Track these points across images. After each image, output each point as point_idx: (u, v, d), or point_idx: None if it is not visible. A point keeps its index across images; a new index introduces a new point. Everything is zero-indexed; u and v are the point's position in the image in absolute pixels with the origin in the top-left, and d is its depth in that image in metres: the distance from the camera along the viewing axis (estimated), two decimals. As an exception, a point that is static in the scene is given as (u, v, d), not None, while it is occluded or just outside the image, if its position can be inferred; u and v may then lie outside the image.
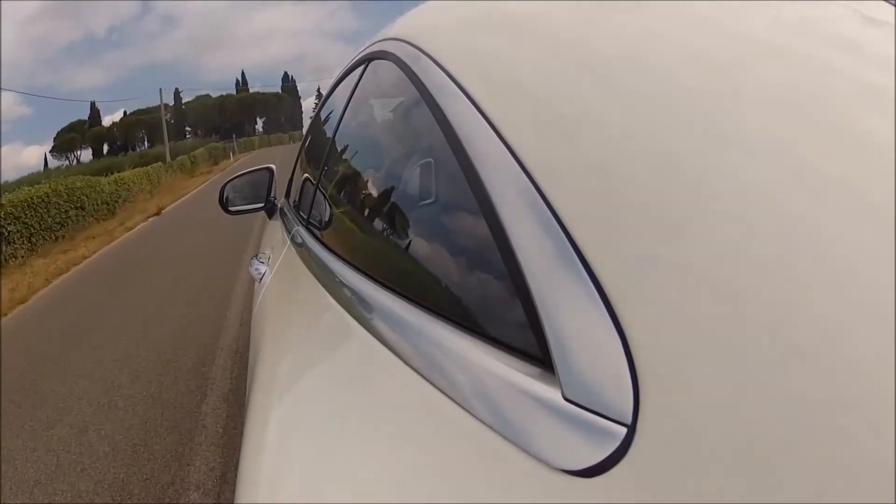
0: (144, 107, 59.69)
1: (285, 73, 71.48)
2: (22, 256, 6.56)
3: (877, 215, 0.19)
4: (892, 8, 0.26)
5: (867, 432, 0.16)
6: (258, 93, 67.13)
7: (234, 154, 28.56)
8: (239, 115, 61.82)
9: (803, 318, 0.18)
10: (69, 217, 7.88)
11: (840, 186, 0.20)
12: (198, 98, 65.93)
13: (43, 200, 7.31)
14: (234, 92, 68.75)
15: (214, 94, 68.21)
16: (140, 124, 58.03)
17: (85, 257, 6.07)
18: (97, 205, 8.94)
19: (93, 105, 61.48)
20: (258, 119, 67.13)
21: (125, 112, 62.18)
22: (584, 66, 0.32)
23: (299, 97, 68.87)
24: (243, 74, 71.51)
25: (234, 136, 37.67)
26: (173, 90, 65.07)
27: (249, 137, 44.84)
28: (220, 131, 54.49)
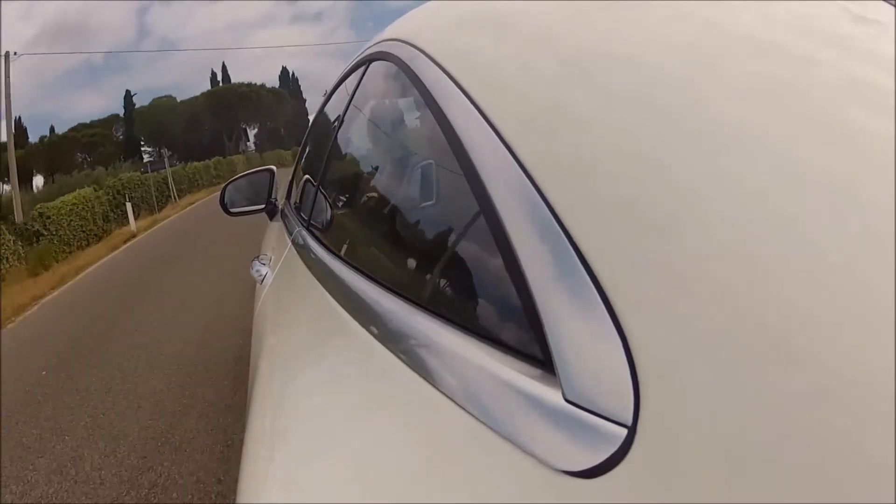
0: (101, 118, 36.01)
1: (284, 69, 42.86)
2: None
3: (869, 214, 0.19)
4: (892, 7, 0.26)
5: (866, 433, 0.16)
6: (245, 84, 39.03)
7: (134, 217, 9.92)
8: (216, 121, 37.17)
9: (800, 318, 0.18)
10: None
11: (831, 184, 0.20)
12: (154, 102, 37.63)
13: None
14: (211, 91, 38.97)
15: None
16: (73, 144, 33.92)
17: None
18: None
19: (18, 122, 32.78)
20: (247, 128, 41.10)
21: (52, 128, 36.37)
22: (584, 65, 0.32)
23: (304, 100, 43.38)
24: (224, 67, 40.70)
25: (162, 154, 19.97)
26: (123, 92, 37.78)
27: (229, 157, 25.34)
28: (189, 148, 33.40)
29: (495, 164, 0.32)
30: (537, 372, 0.27)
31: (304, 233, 0.93)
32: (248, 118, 40.25)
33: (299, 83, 46.57)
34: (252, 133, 42.06)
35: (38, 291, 5.53)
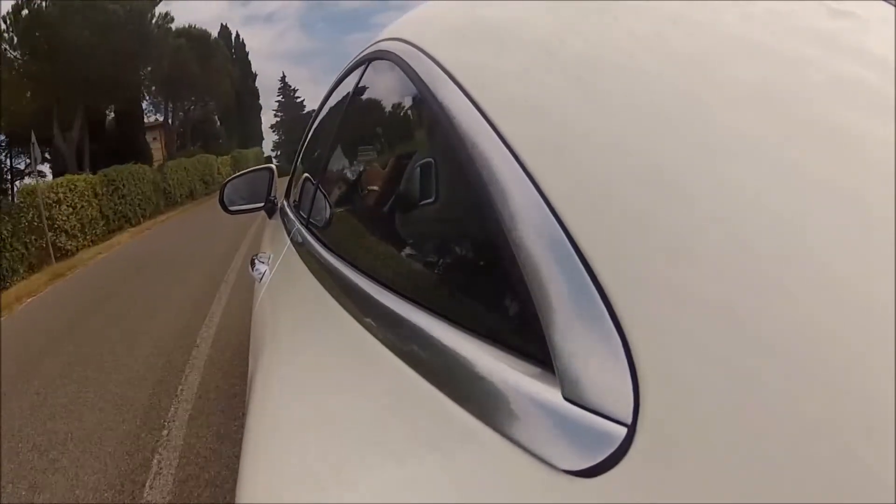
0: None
1: (223, 27, 25.89)
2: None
3: (872, 220, 0.19)
4: (892, 7, 0.26)
5: (866, 434, 0.16)
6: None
7: None
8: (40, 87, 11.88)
9: (800, 320, 0.18)
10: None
11: (832, 189, 0.20)
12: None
13: None
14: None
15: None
16: None
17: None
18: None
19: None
20: (146, 111, 19.06)
21: None
22: (584, 65, 0.32)
23: (253, 74, 27.59)
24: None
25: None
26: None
27: (27, 185, 6.29)
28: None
29: (495, 162, 0.32)
30: (537, 371, 0.27)
31: (304, 231, 0.93)
32: (126, 85, 15.47)
33: (246, 50, 27.11)
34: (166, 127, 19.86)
35: None
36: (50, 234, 6.32)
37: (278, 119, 39.30)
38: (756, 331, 0.19)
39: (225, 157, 17.27)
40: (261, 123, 30.65)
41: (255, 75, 27.98)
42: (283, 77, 42.05)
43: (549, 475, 0.23)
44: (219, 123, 24.06)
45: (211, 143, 21.57)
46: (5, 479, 1.87)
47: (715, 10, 0.30)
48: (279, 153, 38.67)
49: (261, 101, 29.75)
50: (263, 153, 25.63)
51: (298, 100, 39.21)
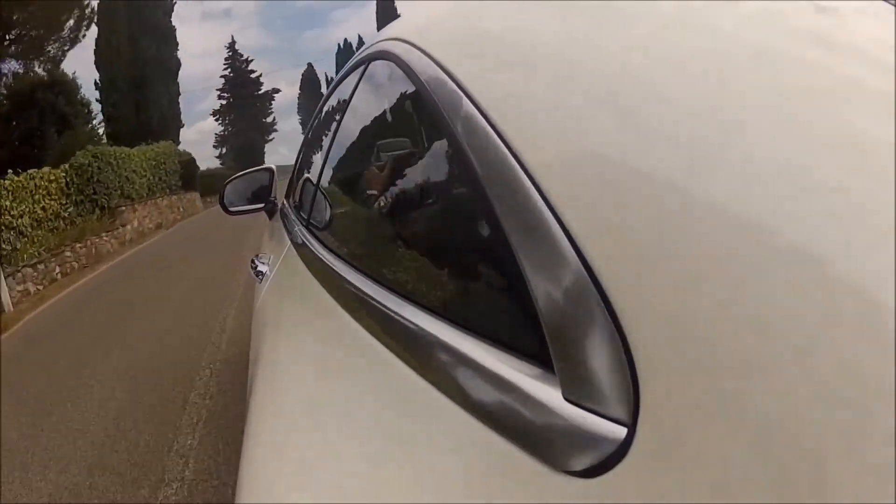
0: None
1: None
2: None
3: (873, 221, 0.19)
4: (892, 7, 0.26)
5: (866, 434, 0.16)
6: None
7: None
8: None
9: (801, 320, 0.18)
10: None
11: (835, 191, 0.20)
12: None
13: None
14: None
15: None
16: None
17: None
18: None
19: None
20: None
21: None
22: (584, 67, 0.32)
23: (172, 22, 13.88)
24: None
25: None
26: None
27: None
28: None
29: (494, 163, 0.32)
30: (536, 371, 0.27)
31: (304, 231, 0.93)
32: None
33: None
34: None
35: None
36: None
37: (224, 102, 26.47)
38: (756, 331, 0.19)
39: (50, 171, 7.12)
40: (179, 95, 16.13)
41: (174, 3, 15.37)
42: (232, 43, 26.88)
43: (549, 475, 0.23)
44: (80, 93, 11.62)
45: (54, 132, 10.53)
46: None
47: (721, 12, 0.29)
48: (224, 150, 25.68)
49: (181, 56, 15.69)
50: (180, 148, 13.23)
51: (254, 75, 26.85)
